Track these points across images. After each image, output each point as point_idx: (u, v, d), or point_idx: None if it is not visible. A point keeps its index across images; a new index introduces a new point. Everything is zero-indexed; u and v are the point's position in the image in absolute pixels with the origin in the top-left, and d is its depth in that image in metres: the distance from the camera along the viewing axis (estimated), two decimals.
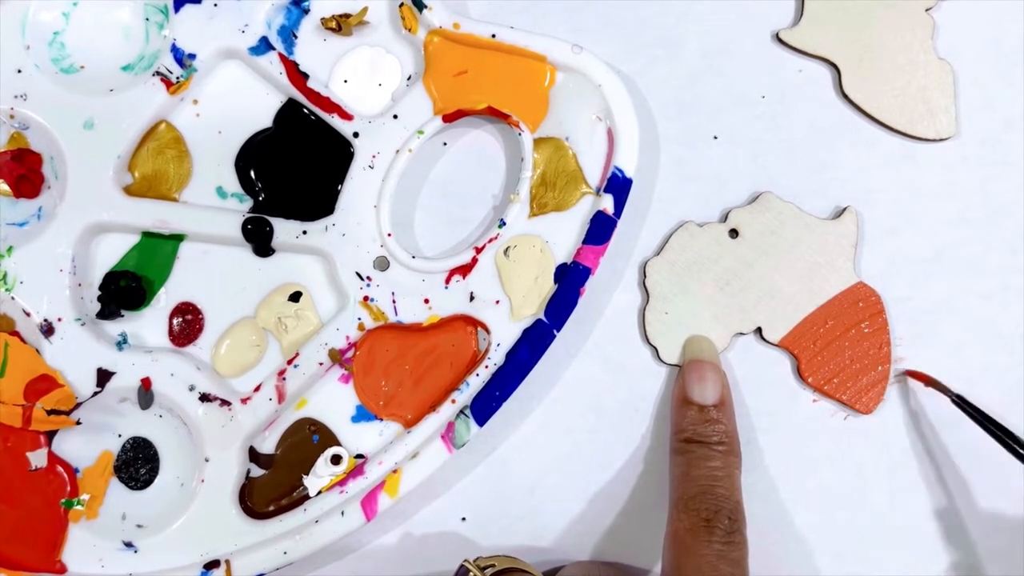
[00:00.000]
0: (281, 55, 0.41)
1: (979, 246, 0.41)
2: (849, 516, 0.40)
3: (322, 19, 0.41)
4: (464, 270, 0.40)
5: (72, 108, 0.40)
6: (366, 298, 0.40)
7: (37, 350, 0.39)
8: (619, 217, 0.39)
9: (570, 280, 0.39)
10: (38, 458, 0.39)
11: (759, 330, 0.40)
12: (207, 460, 0.39)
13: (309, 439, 0.40)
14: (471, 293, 0.40)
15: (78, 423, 0.39)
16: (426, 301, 0.40)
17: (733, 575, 0.34)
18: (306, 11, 0.41)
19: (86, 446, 0.40)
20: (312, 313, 0.41)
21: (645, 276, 0.41)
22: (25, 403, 0.39)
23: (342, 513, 0.38)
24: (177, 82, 0.40)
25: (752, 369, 0.41)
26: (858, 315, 0.40)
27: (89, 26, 0.41)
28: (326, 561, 0.40)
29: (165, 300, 0.41)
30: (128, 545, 0.39)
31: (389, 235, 0.40)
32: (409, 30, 0.40)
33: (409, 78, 0.41)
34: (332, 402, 0.40)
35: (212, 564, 0.38)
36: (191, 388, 0.39)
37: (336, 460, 0.39)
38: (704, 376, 0.39)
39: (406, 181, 0.41)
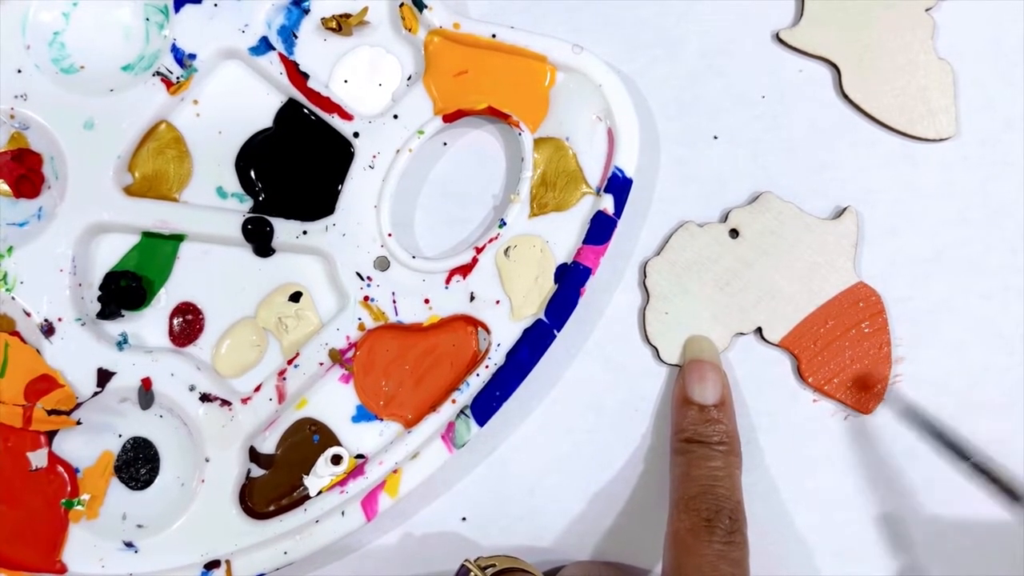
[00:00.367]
0: (281, 55, 0.41)
1: (979, 246, 0.41)
2: (849, 516, 0.40)
3: (322, 19, 0.41)
4: (464, 270, 0.40)
5: (72, 108, 0.40)
6: (366, 298, 0.40)
7: (37, 350, 0.39)
8: (619, 217, 0.39)
9: (570, 280, 0.39)
10: (38, 458, 0.39)
11: (759, 330, 0.40)
12: (207, 460, 0.39)
13: (309, 439, 0.40)
14: (471, 293, 0.40)
15: (78, 423, 0.39)
16: (426, 301, 0.40)
17: (734, 575, 0.34)
18: (306, 11, 0.41)
19: (86, 446, 0.40)
20: (312, 313, 0.41)
21: (645, 276, 0.41)
22: (25, 403, 0.39)
23: (342, 513, 0.38)
24: (177, 82, 0.40)
25: (752, 369, 0.41)
26: (858, 315, 0.40)
27: (89, 26, 0.41)
28: (326, 561, 0.40)
29: (165, 300, 0.41)
30: (128, 545, 0.39)
31: (389, 235, 0.40)
32: (409, 30, 0.40)
33: (409, 78, 0.41)
34: (332, 402, 0.40)
35: (212, 564, 0.38)
36: (191, 388, 0.39)
37: (336, 460, 0.39)
38: (704, 376, 0.39)
39: (406, 181, 0.41)
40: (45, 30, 0.41)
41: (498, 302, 0.39)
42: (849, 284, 0.40)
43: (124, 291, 0.40)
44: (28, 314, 0.39)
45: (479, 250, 0.40)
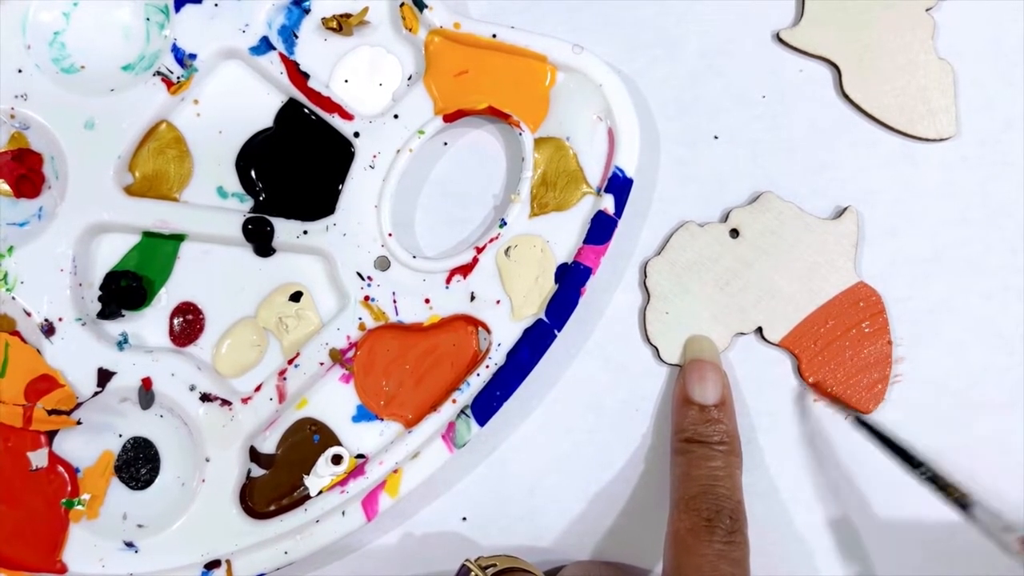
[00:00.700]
0: (282, 55, 0.41)
1: (979, 246, 0.41)
2: (849, 516, 0.40)
3: (323, 19, 0.41)
4: (465, 270, 0.40)
5: (72, 108, 0.40)
6: (367, 298, 0.40)
7: (38, 350, 0.39)
8: (620, 217, 0.39)
9: (571, 280, 0.39)
10: (39, 458, 0.39)
11: (759, 330, 0.40)
12: (208, 460, 0.39)
13: (310, 439, 0.40)
14: (472, 293, 0.40)
15: (79, 423, 0.39)
16: (427, 301, 0.40)
17: (734, 575, 0.34)
18: (307, 11, 0.41)
19: (87, 446, 0.40)
20: (313, 313, 0.41)
21: (646, 276, 0.41)
22: (26, 403, 0.39)
23: (343, 513, 0.38)
24: (178, 82, 0.40)
25: (752, 369, 0.41)
26: (859, 315, 0.40)
27: (89, 26, 0.41)
28: (327, 561, 0.40)
29: (166, 300, 0.41)
30: (129, 545, 0.39)
31: (390, 235, 0.40)
32: (410, 30, 0.40)
33: (410, 78, 0.41)
34: (333, 402, 0.40)
35: (213, 564, 0.38)
36: (192, 388, 0.39)
37: (337, 460, 0.39)
38: (705, 376, 0.39)
39: (407, 181, 0.41)
40: (45, 30, 0.41)
41: (498, 302, 0.39)
42: (849, 284, 0.40)
43: (124, 291, 0.40)
44: (28, 314, 0.39)
45: (479, 250, 0.40)
